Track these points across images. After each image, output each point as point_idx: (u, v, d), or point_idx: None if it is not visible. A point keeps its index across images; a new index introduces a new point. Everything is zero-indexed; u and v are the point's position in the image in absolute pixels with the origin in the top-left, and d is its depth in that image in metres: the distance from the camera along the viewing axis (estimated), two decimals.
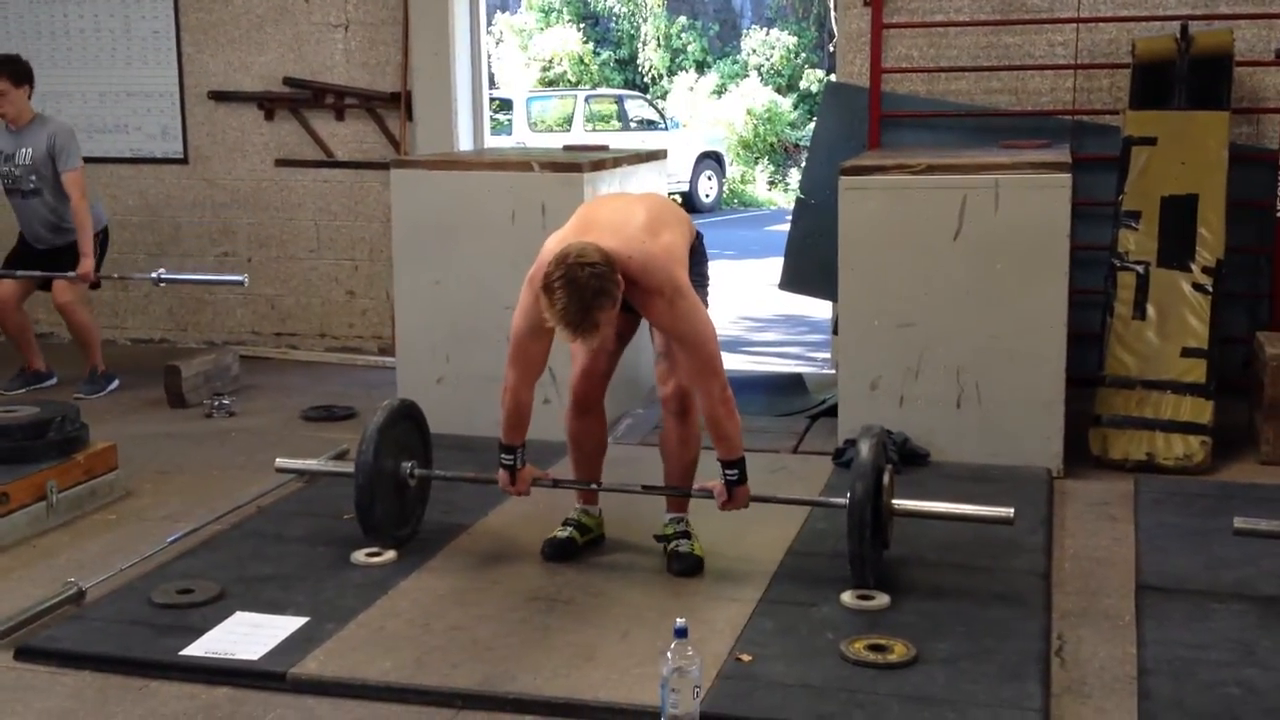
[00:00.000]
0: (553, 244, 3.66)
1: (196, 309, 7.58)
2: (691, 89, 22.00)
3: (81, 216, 6.12)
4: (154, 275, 6.50)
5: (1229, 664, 3.25)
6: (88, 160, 6.39)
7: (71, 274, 6.16)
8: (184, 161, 7.45)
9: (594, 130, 17.63)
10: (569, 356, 4.04)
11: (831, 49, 7.59)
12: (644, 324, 3.90)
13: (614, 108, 19.21)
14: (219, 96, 7.31)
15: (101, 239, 6.37)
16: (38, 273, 6.26)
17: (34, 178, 6.16)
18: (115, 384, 6.42)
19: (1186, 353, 5.05)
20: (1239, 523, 3.74)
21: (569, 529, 4.06)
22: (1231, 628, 3.47)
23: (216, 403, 6.02)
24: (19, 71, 6.14)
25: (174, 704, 3.16)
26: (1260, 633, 3.43)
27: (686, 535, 3.97)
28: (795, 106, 21.60)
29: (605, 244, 3.50)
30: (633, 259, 3.54)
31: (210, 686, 3.24)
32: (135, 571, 3.93)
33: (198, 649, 3.38)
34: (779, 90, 21.78)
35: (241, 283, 6.54)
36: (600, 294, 3.39)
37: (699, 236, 3.98)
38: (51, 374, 6.49)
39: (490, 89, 8.05)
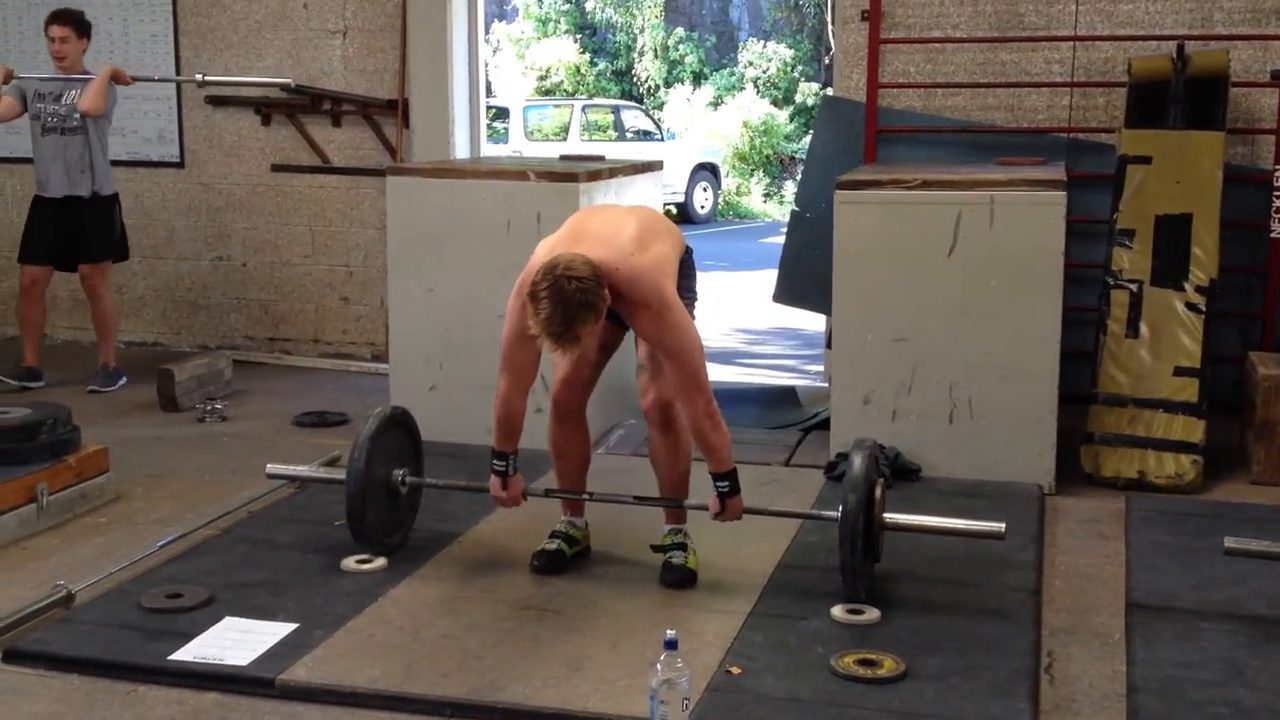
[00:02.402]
0: (543, 252, 3.66)
1: (191, 313, 7.57)
2: (688, 100, 22.03)
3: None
4: (197, 77, 6.74)
5: (1217, 683, 3.25)
6: None
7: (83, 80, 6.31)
8: (180, 165, 7.45)
9: (590, 140, 17.64)
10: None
11: (828, 63, 7.61)
12: (632, 334, 3.91)
13: (610, 118, 19.23)
14: (216, 101, 7.31)
15: (117, 204, 6.52)
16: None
17: (78, 116, 6.31)
18: (124, 380, 6.50)
19: (1179, 372, 5.07)
20: (1229, 542, 3.75)
21: (557, 541, 4.06)
22: (1220, 647, 3.47)
23: (209, 407, 6.02)
24: (83, 24, 6.46)
25: (162, 709, 3.15)
26: (1249, 652, 3.43)
27: (682, 547, 3.97)
28: (791, 119, 21.64)
29: (594, 255, 3.51)
30: (620, 270, 3.55)
31: (199, 692, 3.23)
32: (125, 575, 3.92)
33: (186, 654, 3.37)
34: (775, 103, 21.82)
35: (290, 84, 6.81)
36: (585, 307, 3.40)
37: (689, 251, 3.98)
38: (40, 376, 6.49)
39: (487, 97, 8.06)
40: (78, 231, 6.39)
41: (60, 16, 6.41)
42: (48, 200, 6.41)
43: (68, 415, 4.74)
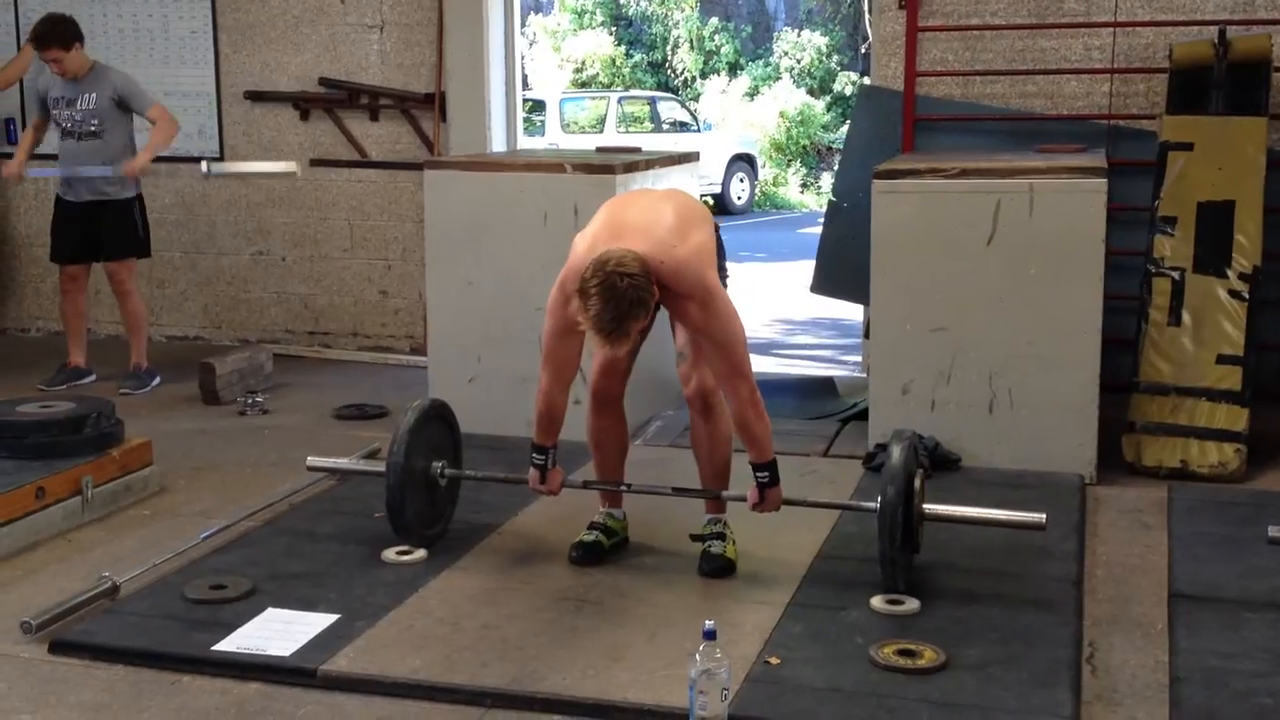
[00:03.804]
0: (582, 244, 3.66)
1: (231, 307, 7.63)
2: (724, 91, 21.98)
3: (161, 132, 6.26)
4: (202, 166, 6.61)
5: (1261, 673, 3.22)
6: None
7: (108, 169, 6.24)
8: (220, 160, 7.50)
9: (626, 132, 17.64)
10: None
11: (865, 51, 7.58)
12: (664, 322, 3.90)
13: (647, 109, 19.22)
14: (255, 96, 7.36)
15: (140, 206, 6.47)
16: (81, 170, 6.28)
17: (96, 121, 6.29)
18: (158, 380, 6.52)
19: (1222, 359, 5.01)
20: (1274, 531, 3.72)
21: (595, 533, 4.06)
22: (1265, 637, 3.44)
23: (250, 400, 6.06)
24: (66, 35, 6.26)
25: (205, 699, 3.19)
26: None
27: (721, 537, 3.97)
28: (828, 109, 21.56)
29: (639, 249, 3.50)
30: (665, 264, 3.54)
31: (242, 682, 3.26)
32: (169, 567, 3.96)
33: (230, 644, 3.40)
34: (812, 92, 21.74)
35: (294, 173, 6.64)
36: (636, 304, 3.40)
37: (716, 229, 3.96)
38: (90, 371, 6.57)
39: (523, 90, 8.07)
40: (98, 231, 6.38)
41: (43, 39, 6.20)
42: (68, 202, 6.42)
43: (112, 409, 4.80)
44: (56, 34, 6.23)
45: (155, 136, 6.29)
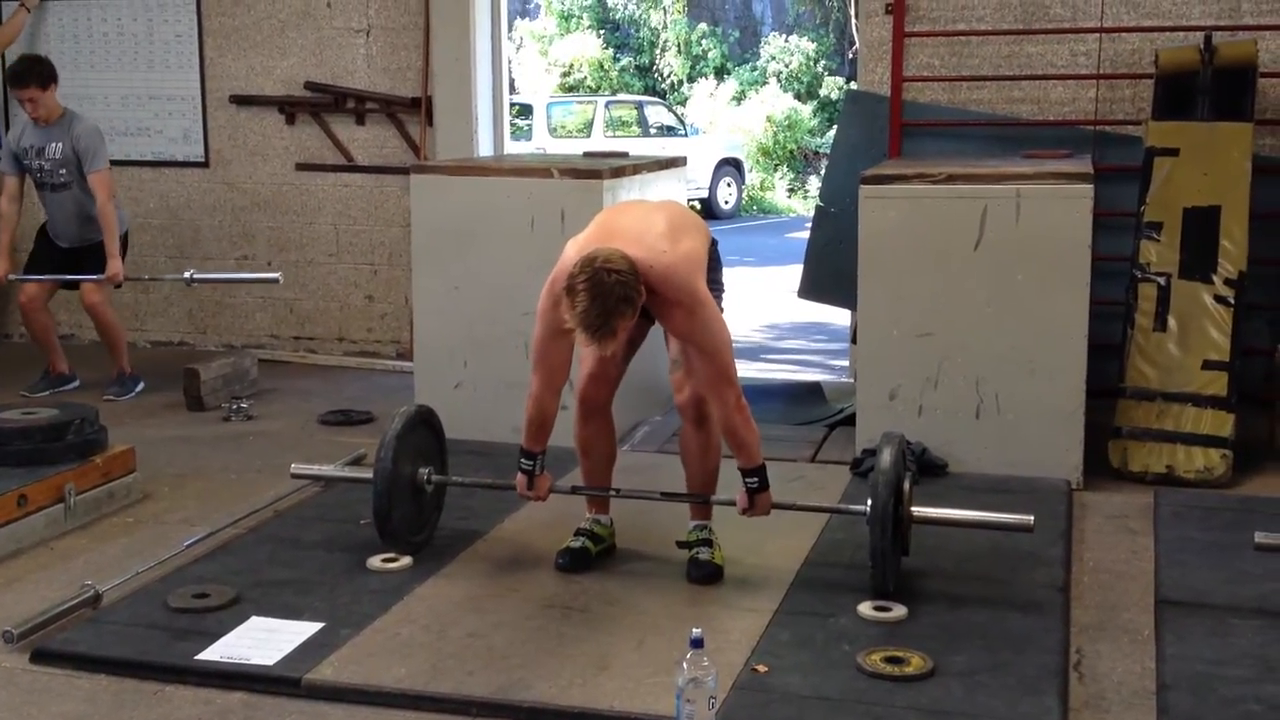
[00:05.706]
0: (572, 250, 3.66)
1: (216, 312, 7.60)
2: (711, 95, 21.99)
3: (108, 218, 6.22)
4: (185, 275, 6.56)
5: (1249, 680, 3.22)
6: (111, 163, 6.42)
7: (100, 276, 6.23)
8: (205, 165, 7.47)
9: (614, 136, 17.63)
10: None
11: (852, 57, 7.59)
12: (658, 330, 3.90)
13: (634, 114, 19.22)
14: (240, 100, 7.33)
15: (123, 243, 6.43)
16: (66, 275, 6.36)
17: (63, 172, 6.27)
18: (141, 385, 6.48)
19: (1208, 365, 5.02)
20: (1260, 537, 3.72)
21: (582, 539, 4.05)
22: (1252, 643, 3.44)
23: (234, 406, 6.04)
24: (44, 74, 6.25)
25: (189, 709, 3.16)
26: None
27: (708, 543, 3.96)
28: (815, 114, 21.58)
29: (629, 252, 3.50)
30: (654, 268, 3.54)
31: (225, 691, 3.24)
32: (152, 575, 3.94)
33: (213, 654, 3.38)
34: (799, 97, 21.76)
35: (276, 280, 6.56)
36: (623, 301, 3.39)
37: (714, 243, 3.97)
38: (74, 376, 6.53)
39: (510, 94, 8.06)
40: (78, 266, 6.33)
41: (20, 78, 6.19)
42: (54, 245, 6.40)
43: (95, 415, 4.77)
44: (35, 73, 6.21)
45: (106, 223, 6.18)
